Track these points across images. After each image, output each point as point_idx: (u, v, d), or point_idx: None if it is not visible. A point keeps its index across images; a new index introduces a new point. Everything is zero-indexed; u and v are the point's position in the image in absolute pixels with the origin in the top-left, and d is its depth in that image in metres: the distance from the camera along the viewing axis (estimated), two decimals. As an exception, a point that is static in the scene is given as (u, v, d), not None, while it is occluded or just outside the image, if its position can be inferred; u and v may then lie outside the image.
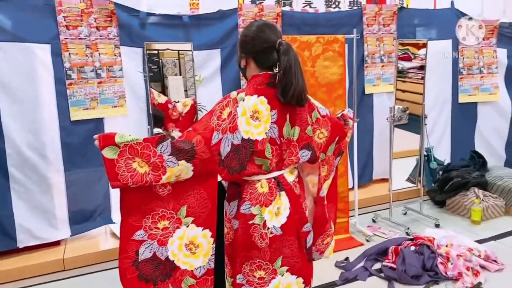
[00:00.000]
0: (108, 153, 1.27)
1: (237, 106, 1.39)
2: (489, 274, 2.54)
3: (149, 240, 1.34)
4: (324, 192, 1.60)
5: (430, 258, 2.55)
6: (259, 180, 1.43)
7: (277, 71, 1.47)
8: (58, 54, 2.87)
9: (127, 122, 3.13)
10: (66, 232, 2.98)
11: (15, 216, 2.79)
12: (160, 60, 2.94)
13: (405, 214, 3.56)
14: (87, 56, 2.97)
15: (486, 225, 3.28)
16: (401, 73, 3.59)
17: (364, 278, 2.56)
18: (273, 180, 1.45)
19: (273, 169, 1.44)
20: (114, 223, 3.16)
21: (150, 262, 1.34)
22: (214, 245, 1.39)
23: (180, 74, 3.04)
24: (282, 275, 1.44)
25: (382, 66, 3.96)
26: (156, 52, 2.92)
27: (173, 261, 1.36)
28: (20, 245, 2.81)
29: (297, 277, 1.47)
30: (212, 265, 1.40)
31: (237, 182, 1.46)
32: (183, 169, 1.33)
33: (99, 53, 3.01)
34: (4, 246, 2.78)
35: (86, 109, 2.99)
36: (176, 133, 2.82)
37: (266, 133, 1.41)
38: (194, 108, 2.96)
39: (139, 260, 1.34)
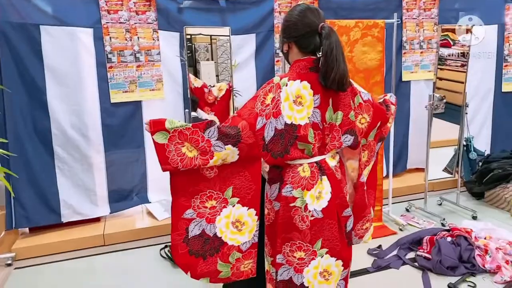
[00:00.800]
0: (159, 138, 1.32)
1: (280, 92, 1.39)
2: (529, 269, 2.47)
3: (198, 218, 1.40)
4: (364, 178, 1.60)
5: (467, 250, 2.49)
6: (301, 164, 1.45)
7: (320, 55, 1.46)
8: (99, 38, 2.96)
9: (164, 106, 3.20)
10: (106, 210, 3.12)
11: (59, 193, 2.95)
12: (193, 45, 2.96)
13: (440, 204, 3.48)
14: (126, 40, 3.05)
15: (527, 219, 3.17)
16: (439, 60, 3.46)
17: (397, 267, 2.55)
18: (315, 164, 1.45)
19: (315, 154, 1.45)
20: (150, 202, 3.27)
21: (199, 238, 1.41)
22: (258, 222, 1.45)
23: (212, 59, 3.06)
24: (321, 257, 1.46)
25: (421, 52, 3.84)
26: (189, 37, 2.95)
27: (221, 237, 1.42)
28: (64, 219, 2.98)
29: (336, 259, 1.49)
30: (256, 240, 1.45)
31: (279, 166, 1.47)
32: (229, 153, 1.37)
33: (138, 37, 3.07)
34: (50, 220, 2.95)
35: (125, 92, 3.08)
36: (212, 117, 2.86)
37: (308, 118, 1.41)
38: (229, 92, 2.98)
39: (189, 237, 1.40)
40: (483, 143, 3.93)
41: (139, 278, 2.52)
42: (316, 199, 1.43)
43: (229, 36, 2.98)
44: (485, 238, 2.62)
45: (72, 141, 2.94)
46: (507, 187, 3.34)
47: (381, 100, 1.71)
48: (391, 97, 1.74)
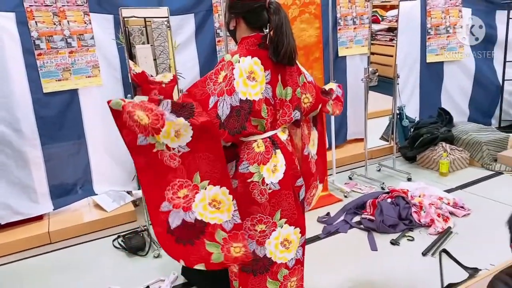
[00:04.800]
0: (114, 104, 1.32)
1: (234, 69, 1.41)
2: (457, 219, 2.78)
3: (175, 209, 1.40)
4: (308, 151, 1.67)
5: (405, 208, 2.75)
6: (255, 140, 1.49)
7: (267, 32, 1.50)
8: (23, 22, 2.72)
9: (103, 93, 3.04)
10: (48, 206, 2.95)
11: (-7, 193, 2.73)
12: (127, 28, 2.84)
13: (379, 170, 3.76)
14: (55, 24, 2.83)
15: (453, 176, 3.53)
16: (370, 36, 3.66)
17: (345, 231, 2.74)
18: (268, 139, 1.50)
19: (267, 129, 1.50)
20: (96, 194, 3.14)
21: (182, 227, 1.41)
22: (234, 202, 1.45)
23: (148, 43, 2.96)
24: (281, 227, 1.53)
25: (355, 28, 4.02)
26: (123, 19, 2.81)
27: (202, 219, 1.42)
28: (2, 221, 2.77)
29: (294, 228, 1.56)
30: (238, 220, 1.45)
31: (234, 143, 1.50)
32: (181, 126, 1.36)
33: (67, 21, 2.87)
34: (-14, 223, 2.73)
35: (59, 80, 2.89)
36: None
37: (262, 93, 1.45)
38: (175, 79, 2.90)
39: (172, 228, 1.41)
40: (412, 111, 4.26)
41: (93, 270, 2.45)
42: (272, 172, 1.49)
43: (167, 17, 2.89)
44: (419, 196, 2.90)
45: (2, 137, 2.71)
46: (435, 149, 3.69)
47: (328, 89, 1.82)
48: (337, 91, 1.87)
